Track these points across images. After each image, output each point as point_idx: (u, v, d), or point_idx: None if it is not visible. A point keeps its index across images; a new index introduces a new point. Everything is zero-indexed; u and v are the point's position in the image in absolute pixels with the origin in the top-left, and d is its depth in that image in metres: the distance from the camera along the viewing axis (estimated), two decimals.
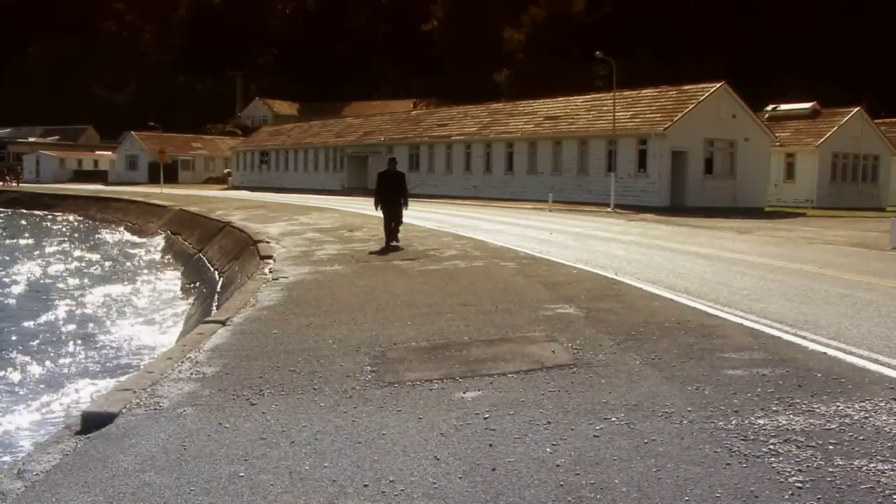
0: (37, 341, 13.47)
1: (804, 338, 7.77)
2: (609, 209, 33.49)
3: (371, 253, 15.54)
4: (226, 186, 65.56)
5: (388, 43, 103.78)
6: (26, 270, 22.86)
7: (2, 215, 47.98)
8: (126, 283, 20.20)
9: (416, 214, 23.13)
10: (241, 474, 4.59)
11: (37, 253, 27.21)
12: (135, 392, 6.14)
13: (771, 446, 4.86)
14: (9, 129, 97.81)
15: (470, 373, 6.66)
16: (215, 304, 14.02)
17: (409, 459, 4.78)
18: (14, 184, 67.31)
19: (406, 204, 17.11)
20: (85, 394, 9.76)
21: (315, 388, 6.27)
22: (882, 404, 5.65)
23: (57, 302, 17.42)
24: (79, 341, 13.36)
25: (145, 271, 23.05)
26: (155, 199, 42.22)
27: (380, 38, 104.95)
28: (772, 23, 70.03)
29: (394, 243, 16.67)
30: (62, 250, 28.25)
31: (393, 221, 16.86)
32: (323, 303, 10.08)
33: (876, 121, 44.16)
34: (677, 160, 35.69)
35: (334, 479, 4.51)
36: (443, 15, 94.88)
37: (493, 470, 4.60)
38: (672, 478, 4.44)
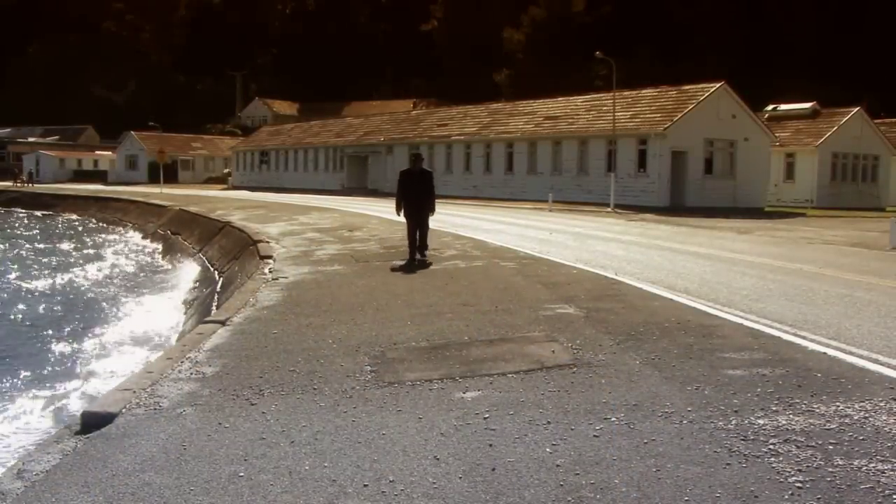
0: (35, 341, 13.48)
1: (804, 338, 7.77)
2: (609, 209, 33.49)
3: (394, 270, 13.02)
4: (226, 186, 65.57)
5: (388, 43, 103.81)
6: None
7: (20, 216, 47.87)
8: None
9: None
10: (241, 474, 4.59)
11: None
12: (134, 392, 6.14)
13: (771, 446, 4.86)
14: (9, 129, 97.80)
15: (470, 373, 6.65)
16: (215, 303, 14.02)
17: (409, 459, 4.78)
18: (29, 185, 67.20)
19: (432, 209, 14.30)
20: (85, 392, 9.76)
21: (315, 388, 6.27)
22: (882, 404, 5.65)
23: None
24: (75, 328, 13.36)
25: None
26: (155, 199, 42.23)
27: (380, 38, 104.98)
28: (772, 23, 70.07)
29: (419, 257, 14.11)
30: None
31: (419, 231, 14.18)
32: (323, 303, 10.07)
33: (876, 121, 44.17)
34: (677, 160, 35.69)
35: (334, 479, 4.51)
36: (443, 15, 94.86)
37: (493, 470, 4.60)
38: (672, 478, 4.44)
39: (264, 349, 7.56)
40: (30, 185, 67.28)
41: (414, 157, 14.98)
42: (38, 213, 49.49)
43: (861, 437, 5.00)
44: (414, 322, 8.69)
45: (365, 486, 4.42)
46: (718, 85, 36.96)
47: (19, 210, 52.76)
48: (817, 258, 15.81)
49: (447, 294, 10.58)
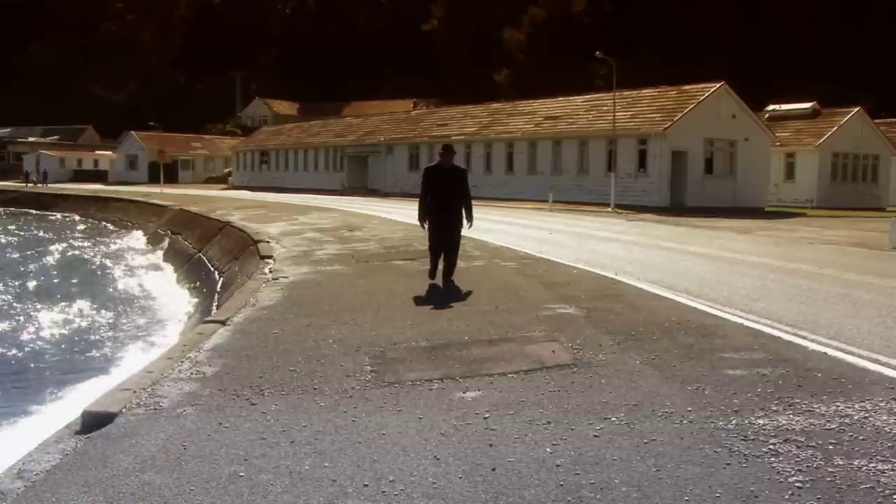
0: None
1: (804, 338, 7.77)
2: (609, 209, 33.50)
3: (418, 303, 10.00)
4: (226, 186, 65.57)
5: (388, 43, 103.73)
6: None
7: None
8: None
9: (417, 215, 23.18)
10: (242, 474, 4.59)
11: None
12: (135, 392, 6.14)
13: (771, 446, 4.86)
14: (9, 129, 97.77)
15: (470, 373, 6.65)
16: (215, 303, 14.02)
17: (409, 459, 4.78)
18: (42, 185, 66.83)
19: (470, 218, 11.13)
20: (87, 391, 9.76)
21: (315, 388, 6.27)
22: (882, 404, 5.64)
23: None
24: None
25: None
26: (155, 198, 42.24)
27: (380, 38, 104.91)
28: (772, 23, 70.10)
29: (442, 283, 10.91)
30: None
31: (446, 246, 10.99)
32: (323, 303, 10.08)
33: (876, 121, 44.17)
34: (677, 160, 35.69)
35: (334, 479, 4.51)
36: (443, 15, 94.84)
37: (493, 470, 4.59)
38: (672, 478, 4.44)
39: (265, 349, 7.56)
40: (43, 185, 66.81)
41: (444, 150, 11.27)
42: (40, 214, 49.52)
43: (861, 437, 4.99)
44: (414, 322, 8.69)
45: (365, 485, 4.42)
46: (718, 85, 36.97)
47: (16, 209, 52.80)
48: (817, 258, 15.80)
49: (448, 294, 10.57)
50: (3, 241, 32.15)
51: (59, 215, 47.59)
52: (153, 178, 63.72)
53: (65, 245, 30.24)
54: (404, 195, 45.14)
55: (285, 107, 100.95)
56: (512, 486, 4.37)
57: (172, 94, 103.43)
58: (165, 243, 28.31)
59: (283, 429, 5.33)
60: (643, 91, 39.72)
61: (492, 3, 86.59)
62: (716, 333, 7.97)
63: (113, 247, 30.31)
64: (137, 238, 33.38)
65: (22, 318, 15.69)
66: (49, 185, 67.33)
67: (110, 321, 15.36)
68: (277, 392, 6.17)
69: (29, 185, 67.69)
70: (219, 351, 7.51)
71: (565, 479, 4.45)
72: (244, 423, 5.47)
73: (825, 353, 7.18)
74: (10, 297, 18.18)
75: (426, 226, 11.15)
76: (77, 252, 28.11)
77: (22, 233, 36.81)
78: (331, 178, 55.89)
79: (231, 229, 22.46)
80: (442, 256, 11.09)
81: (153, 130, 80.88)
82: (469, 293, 10.52)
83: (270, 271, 13.28)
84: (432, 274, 11.24)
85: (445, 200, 10.91)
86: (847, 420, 5.32)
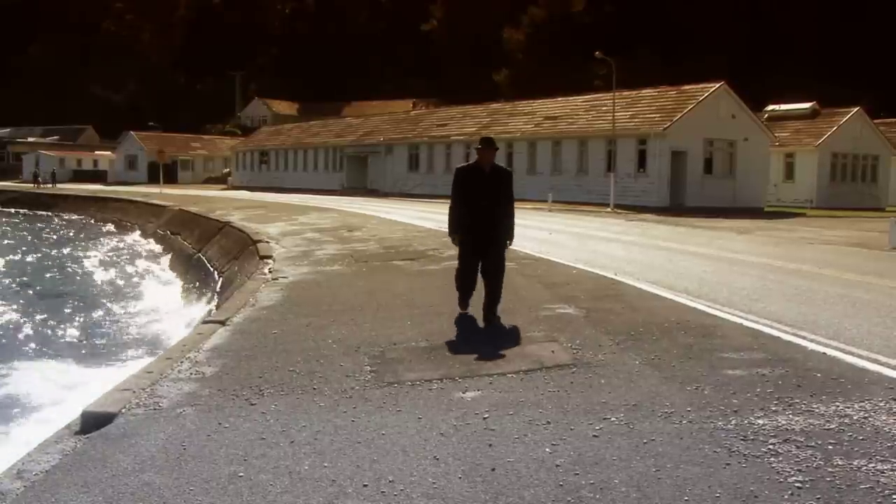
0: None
1: (803, 338, 7.77)
2: (609, 209, 33.51)
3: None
4: (225, 186, 65.56)
5: (388, 43, 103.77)
6: None
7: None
8: None
9: (416, 214, 23.32)
10: (241, 474, 4.59)
11: None
12: (134, 392, 6.14)
13: (770, 446, 4.86)
14: (9, 129, 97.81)
15: (469, 373, 6.65)
16: (215, 303, 14.02)
17: (408, 459, 4.78)
18: (50, 186, 66.61)
19: (510, 235, 8.72)
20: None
21: (315, 388, 6.27)
22: (881, 404, 5.64)
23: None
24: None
25: None
26: (155, 199, 42.23)
27: (380, 38, 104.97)
28: (772, 23, 70.18)
29: (485, 322, 8.45)
30: None
31: (486, 272, 8.54)
32: (323, 303, 10.08)
33: (876, 121, 44.21)
34: (677, 160, 35.72)
35: (334, 479, 4.50)
36: (442, 15, 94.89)
37: (493, 470, 4.59)
38: (672, 478, 4.44)
39: (264, 349, 7.55)
40: (52, 186, 66.63)
41: (483, 146, 8.60)
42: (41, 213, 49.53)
43: (861, 437, 4.99)
44: (414, 322, 8.69)
45: (364, 486, 4.42)
46: (718, 85, 37.00)
47: (18, 209, 52.81)
48: (817, 258, 15.80)
49: (447, 294, 10.55)
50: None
51: (72, 216, 47.51)
52: (153, 179, 63.67)
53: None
54: (404, 195, 45.18)
55: (285, 107, 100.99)
56: (511, 486, 4.37)
57: (172, 94, 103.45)
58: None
59: (283, 429, 5.33)
60: (643, 91, 39.75)
61: (492, 3, 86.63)
62: (715, 333, 7.97)
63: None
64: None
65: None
66: (45, 185, 67.16)
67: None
68: (277, 392, 6.17)
69: (37, 186, 67.54)
70: (218, 351, 7.51)
71: (565, 479, 4.45)
72: (244, 423, 5.47)
73: (825, 353, 7.18)
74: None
75: (457, 242, 8.75)
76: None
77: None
78: (330, 179, 55.89)
79: (230, 229, 22.46)
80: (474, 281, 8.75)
81: (153, 130, 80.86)
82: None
83: (270, 271, 13.28)
84: (463, 303, 8.88)
85: (488, 213, 8.42)
86: (847, 420, 5.32)
